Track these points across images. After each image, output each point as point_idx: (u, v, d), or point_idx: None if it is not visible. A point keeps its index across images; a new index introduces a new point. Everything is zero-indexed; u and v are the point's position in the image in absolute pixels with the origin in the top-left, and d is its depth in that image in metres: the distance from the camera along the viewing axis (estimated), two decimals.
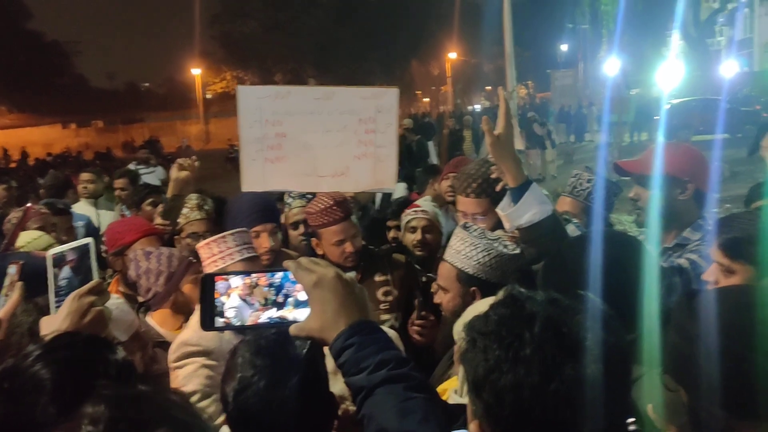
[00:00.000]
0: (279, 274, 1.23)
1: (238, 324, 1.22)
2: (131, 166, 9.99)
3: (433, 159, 13.26)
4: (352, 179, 3.23)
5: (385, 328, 2.38)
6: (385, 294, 3.03)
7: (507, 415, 0.96)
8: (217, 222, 3.17)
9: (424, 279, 3.26)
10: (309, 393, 1.46)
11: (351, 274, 1.48)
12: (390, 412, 1.11)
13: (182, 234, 3.21)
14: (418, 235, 3.42)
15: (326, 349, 1.64)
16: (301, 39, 44.43)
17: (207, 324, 1.23)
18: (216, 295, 1.22)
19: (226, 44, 48.69)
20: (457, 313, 2.30)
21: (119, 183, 6.18)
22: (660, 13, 29.16)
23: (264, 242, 2.90)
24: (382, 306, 3.01)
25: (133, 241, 3.17)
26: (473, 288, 2.29)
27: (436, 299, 2.43)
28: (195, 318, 2.54)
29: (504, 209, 2.28)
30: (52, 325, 1.37)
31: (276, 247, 2.98)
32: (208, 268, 2.51)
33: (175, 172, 3.59)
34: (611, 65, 20.38)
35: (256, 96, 3.16)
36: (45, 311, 1.69)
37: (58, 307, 1.49)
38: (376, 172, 3.25)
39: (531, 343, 0.97)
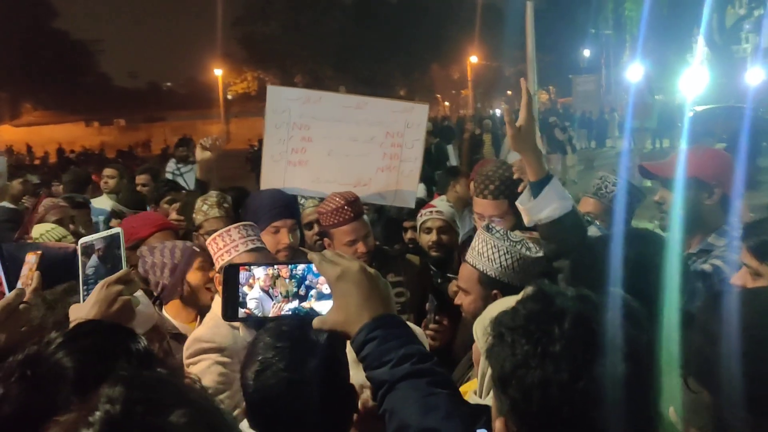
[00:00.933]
0: (301, 267, 1.22)
1: (260, 315, 1.21)
2: (171, 164, 10.06)
3: (453, 162, 13.21)
4: (374, 191, 3.21)
5: (412, 326, 2.37)
6: (398, 295, 3.00)
7: (534, 412, 0.94)
8: (235, 218, 3.17)
9: (439, 281, 3.22)
10: (327, 377, 1.45)
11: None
12: (413, 407, 1.08)
13: (200, 231, 3.21)
14: (433, 236, 3.39)
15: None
16: (321, 41, 44.66)
17: (229, 314, 1.23)
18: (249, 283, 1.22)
19: (247, 45, 49.09)
20: (478, 316, 2.27)
21: (141, 179, 6.22)
22: (685, 19, 28.85)
23: (283, 238, 2.89)
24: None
25: (148, 236, 3.18)
26: (495, 291, 2.25)
27: (457, 301, 2.40)
28: (209, 314, 2.55)
29: (524, 203, 2.27)
30: (80, 312, 1.38)
31: (294, 244, 2.96)
32: (217, 261, 2.53)
33: (199, 154, 3.58)
34: (634, 71, 20.14)
35: (286, 97, 3.16)
36: (53, 305, 1.69)
37: (86, 295, 1.49)
38: (398, 187, 3.24)
39: (560, 340, 0.94)
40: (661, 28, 27.52)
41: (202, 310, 2.75)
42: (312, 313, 1.21)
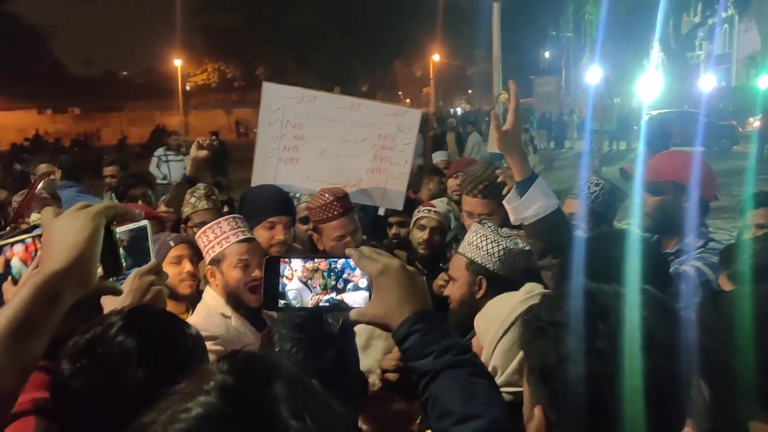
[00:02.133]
0: (340, 261, 1.27)
1: (298, 306, 1.26)
2: (159, 152, 9.88)
3: (415, 160, 13.28)
4: (362, 192, 3.25)
5: None
6: None
7: (577, 404, 0.99)
8: (221, 212, 3.18)
9: (424, 278, 3.29)
10: (343, 366, 1.50)
11: None
12: (455, 395, 1.14)
13: (189, 223, 3.21)
14: (425, 234, 3.44)
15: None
16: (283, 33, 44.27)
17: (269, 304, 1.27)
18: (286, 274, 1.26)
19: (208, 36, 48.32)
20: (464, 303, 2.36)
21: (109, 170, 6.12)
22: (642, 25, 29.60)
23: (278, 234, 2.91)
24: None
25: None
26: (480, 277, 2.34)
27: (446, 292, 2.48)
28: (201, 304, 2.56)
29: (510, 202, 2.35)
30: (114, 303, 1.40)
31: (289, 241, 2.99)
32: (208, 254, 2.55)
33: (194, 151, 3.56)
34: (594, 74, 20.61)
35: (281, 95, 3.17)
36: None
37: None
38: (386, 189, 3.29)
39: (605, 336, 1.00)
40: (620, 33, 28.20)
41: (193, 301, 2.76)
42: (345, 306, 1.26)
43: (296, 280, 1.26)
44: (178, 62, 40.50)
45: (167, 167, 9.77)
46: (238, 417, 0.68)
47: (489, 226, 2.40)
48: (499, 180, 2.84)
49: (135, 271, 1.51)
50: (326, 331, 1.51)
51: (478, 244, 2.40)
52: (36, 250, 1.30)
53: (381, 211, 3.58)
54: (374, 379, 1.73)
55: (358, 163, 3.22)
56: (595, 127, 18.12)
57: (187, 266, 2.74)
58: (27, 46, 51.93)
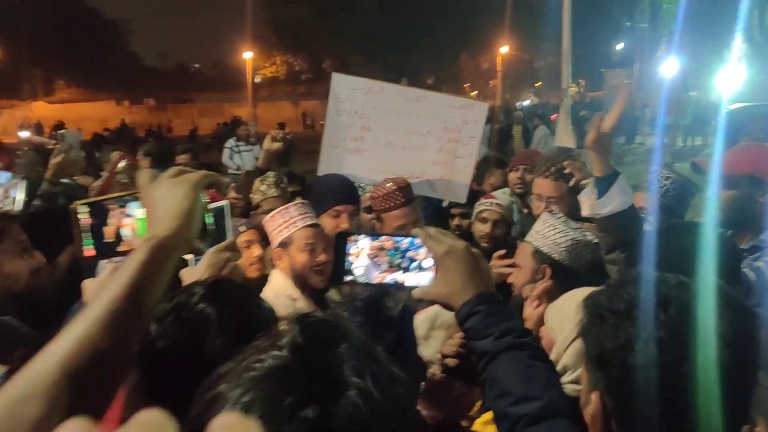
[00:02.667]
0: (406, 240, 1.31)
1: (364, 282, 1.30)
2: (231, 143, 10.25)
3: (482, 153, 13.17)
4: (426, 184, 3.28)
5: None
6: None
7: (634, 391, 0.99)
8: (291, 199, 3.27)
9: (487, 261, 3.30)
10: (401, 350, 1.54)
11: None
12: (513, 376, 1.16)
13: (258, 210, 3.33)
14: (488, 227, 3.43)
15: (415, 319, 1.72)
16: (350, 26, 44.55)
17: (337, 278, 1.31)
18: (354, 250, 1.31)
19: (277, 29, 49.16)
20: (526, 291, 2.36)
21: (181, 159, 6.34)
22: (724, 15, 28.26)
23: (343, 222, 2.97)
24: None
25: None
26: (545, 265, 2.33)
27: (510, 278, 2.48)
28: (268, 286, 2.64)
29: (588, 196, 2.33)
30: (193, 276, 1.50)
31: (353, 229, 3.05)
32: (276, 238, 2.64)
33: (267, 144, 3.66)
34: (669, 66, 19.86)
35: (350, 86, 3.24)
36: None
37: (196, 261, 1.64)
38: (450, 182, 3.30)
39: (665, 325, 1.00)
40: (699, 23, 27.02)
41: (258, 285, 2.86)
42: (409, 285, 1.30)
43: (363, 257, 1.30)
44: (247, 55, 41.45)
45: (240, 158, 10.11)
46: (305, 371, 0.74)
47: (558, 216, 2.40)
48: (566, 171, 2.81)
49: (213, 247, 1.61)
50: (385, 315, 1.54)
51: (546, 233, 2.40)
52: None
53: (444, 203, 3.59)
54: (435, 369, 1.75)
55: (422, 155, 3.25)
56: (668, 122, 17.47)
57: (256, 251, 2.85)
58: (107, 40, 54.24)
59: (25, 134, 22.18)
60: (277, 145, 3.63)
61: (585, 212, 2.42)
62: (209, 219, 1.21)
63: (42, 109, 44.54)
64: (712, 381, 0.97)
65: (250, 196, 3.49)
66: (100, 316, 0.91)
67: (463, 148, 3.12)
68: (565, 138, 9.27)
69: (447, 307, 1.27)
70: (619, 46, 39.25)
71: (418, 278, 1.30)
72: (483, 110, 3.28)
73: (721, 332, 1.00)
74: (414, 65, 43.91)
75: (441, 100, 3.28)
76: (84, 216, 1.24)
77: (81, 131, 7.45)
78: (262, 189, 3.36)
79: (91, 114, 43.06)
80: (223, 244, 1.62)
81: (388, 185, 3.02)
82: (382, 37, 43.72)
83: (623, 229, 2.34)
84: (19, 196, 2.18)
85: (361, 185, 3.64)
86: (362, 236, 1.32)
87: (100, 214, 1.25)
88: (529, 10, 34.45)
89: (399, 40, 43.30)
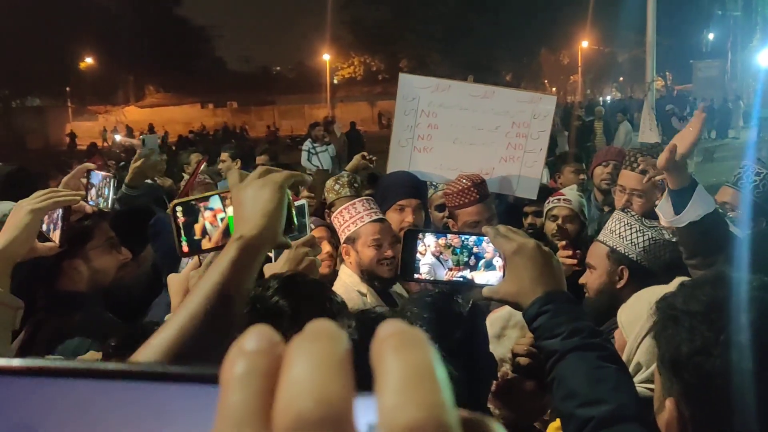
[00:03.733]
0: (472, 238, 1.30)
1: (432, 279, 1.30)
2: (307, 146, 10.56)
3: (563, 149, 12.88)
4: (496, 180, 3.25)
5: None
6: None
7: (712, 398, 0.95)
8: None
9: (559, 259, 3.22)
10: (471, 347, 1.52)
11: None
12: (581, 377, 1.12)
13: (333, 209, 3.40)
14: (558, 224, 3.37)
15: (489, 318, 1.70)
16: (429, 25, 44.48)
17: (406, 274, 1.32)
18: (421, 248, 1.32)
19: (356, 30, 49.70)
20: (602, 293, 2.28)
21: (260, 159, 6.58)
22: None
23: (407, 216, 2.99)
24: None
25: None
26: (622, 267, 2.24)
27: (582, 279, 2.41)
28: (338, 282, 2.67)
29: (664, 213, 2.13)
30: (274, 269, 1.57)
31: (418, 224, 3.06)
32: (343, 233, 2.69)
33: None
34: (765, 56, 18.73)
35: (415, 85, 3.27)
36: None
37: (276, 255, 1.74)
38: (520, 177, 3.26)
39: (747, 329, 0.94)
40: None
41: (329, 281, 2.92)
42: (477, 283, 1.29)
43: (429, 255, 1.30)
44: (326, 57, 42.16)
45: (317, 158, 10.32)
46: (355, 369, 0.74)
47: (632, 215, 2.31)
48: (639, 168, 2.69)
49: (293, 242, 1.66)
50: (455, 312, 1.53)
51: (622, 232, 2.31)
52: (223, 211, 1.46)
53: (511, 198, 3.54)
54: (507, 369, 1.73)
55: (491, 151, 3.22)
56: (764, 115, 16.47)
57: (327, 247, 2.90)
58: (194, 46, 56.44)
59: (117, 137, 23.44)
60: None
61: (663, 221, 2.26)
62: (295, 216, 1.24)
63: (133, 114, 46.96)
64: None
65: (325, 194, 3.56)
66: (196, 311, 0.97)
67: (533, 142, 3.06)
68: (649, 134, 8.89)
69: (516, 306, 1.25)
70: (710, 36, 37.29)
71: (487, 277, 1.28)
72: (551, 103, 3.21)
73: None
74: (493, 62, 43.33)
75: (508, 94, 3.24)
76: (180, 215, 1.30)
77: (159, 135, 7.83)
78: (336, 188, 3.43)
79: (177, 117, 45.00)
80: (302, 239, 1.67)
81: (462, 182, 3.00)
82: (460, 35, 43.41)
83: (705, 235, 2.11)
84: (110, 193, 2.31)
85: (434, 183, 3.64)
86: (429, 234, 1.32)
87: (191, 212, 1.31)
88: (613, 2, 33.27)
89: (477, 37, 42.87)
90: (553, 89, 52.88)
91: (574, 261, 2.70)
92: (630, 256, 2.25)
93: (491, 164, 3.23)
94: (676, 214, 2.04)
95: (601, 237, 2.38)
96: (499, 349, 1.61)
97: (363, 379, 0.74)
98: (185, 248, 1.28)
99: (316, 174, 3.85)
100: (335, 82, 52.73)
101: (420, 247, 1.30)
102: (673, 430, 1.02)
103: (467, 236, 1.30)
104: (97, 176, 2.41)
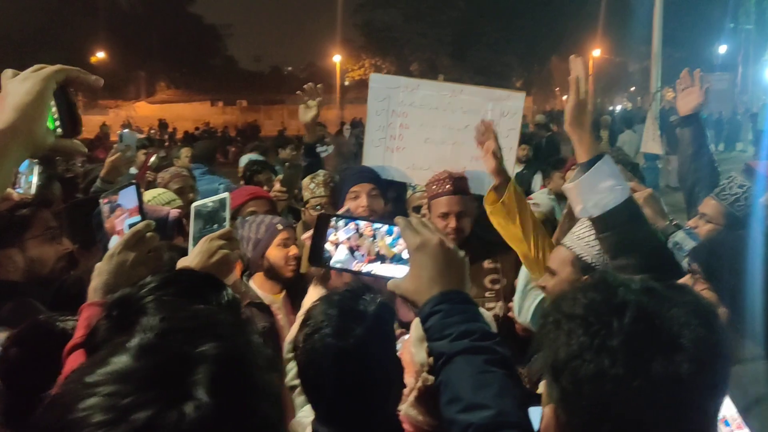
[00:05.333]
0: (384, 228, 1.26)
1: (341, 267, 1.27)
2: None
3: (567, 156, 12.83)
4: (468, 180, 3.21)
5: (481, 310, 2.36)
6: (493, 282, 2.98)
7: (585, 405, 0.90)
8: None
9: (465, 257, 3.20)
10: (372, 348, 1.47)
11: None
12: (466, 381, 1.08)
13: (308, 206, 3.38)
14: None
15: (414, 321, 1.64)
16: (440, 29, 44.50)
17: (315, 260, 1.30)
18: (333, 236, 1.29)
19: (367, 32, 49.76)
20: None
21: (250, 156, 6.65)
22: None
23: (361, 201, 2.99)
24: (487, 294, 2.97)
25: (240, 204, 3.38)
26: (586, 277, 2.14)
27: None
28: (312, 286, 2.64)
29: (573, 183, 1.99)
30: (184, 263, 1.51)
31: (374, 208, 3.04)
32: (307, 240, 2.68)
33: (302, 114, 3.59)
34: None
35: (386, 85, 3.26)
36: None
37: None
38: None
39: (619, 334, 0.89)
40: None
41: (289, 283, 2.88)
42: (385, 275, 1.24)
43: (343, 243, 1.27)
44: (337, 58, 42.20)
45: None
46: (147, 375, 0.70)
47: None
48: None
49: (207, 235, 1.62)
50: (357, 310, 1.49)
51: (591, 241, 2.19)
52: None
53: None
54: (427, 374, 1.67)
55: (462, 150, 3.19)
56: None
57: (294, 250, 2.87)
58: (205, 43, 56.67)
59: (125, 132, 23.64)
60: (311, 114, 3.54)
61: (576, 211, 2.04)
62: (52, 123, 1.15)
63: (143, 109, 47.24)
64: (669, 398, 0.86)
65: (303, 192, 3.53)
66: None
67: (503, 141, 3.00)
68: (651, 144, 8.81)
69: (413, 303, 1.20)
70: (722, 49, 37.04)
71: (395, 270, 1.23)
72: (520, 101, 3.17)
73: (682, 344, 0.88)
74: (503, 68, 43.25)
75: (476, 93, 3.21)
76: None
77: (136, 134, 7.93)
78: (311, 187, 3.40)
79: (187, 114, 45.20)
80: (217, 232, 1.63)
81: (443, 174, 3.02)
82: (471, 40, 43.40)
83: (625, 227, 1.93)
84: (34, 179, 2.27)
85: (412, 185, 3.60)
86: (343, 220, 1.28)
87: None
88: (623, 13, 33.15)
89: (488, 43, 42.83)
90: (564, 98, 52.73)
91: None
92: (596, 267, 2.16)
93: (462, 163, 3.20)
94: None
95: (566, 241, 2.29)
96: (422, 353, 1.55)
97: (152, 386, 0.68)
98: None
99: (289, 168, 3.77)
100: (346, 83, 52.79)
101: (332, 236, 1.27)
102: None
103: (379, 225, 1.26)
104: (23, 163, 2.39)
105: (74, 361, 1.31)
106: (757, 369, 1.54)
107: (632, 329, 0.89)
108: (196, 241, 1.66)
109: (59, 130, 1.15)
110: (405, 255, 1.24)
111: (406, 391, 1.60)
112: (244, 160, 6.67)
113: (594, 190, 1.94)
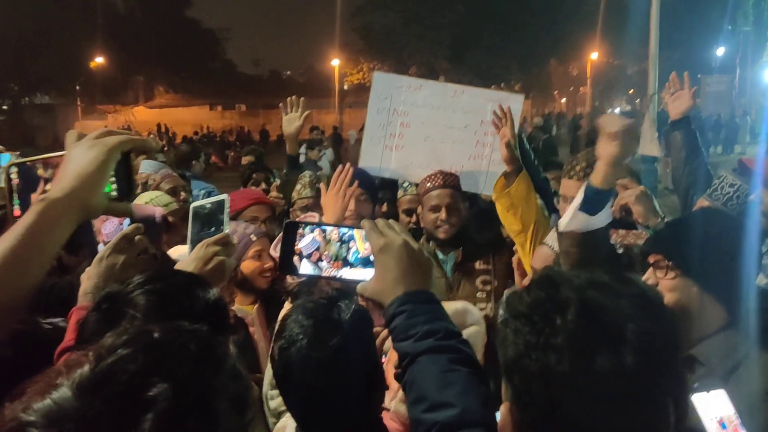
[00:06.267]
0: (349, 232, 1.26)
1: (312, 273, 1.27)
2: (303, 147, 10.70)
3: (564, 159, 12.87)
4: (464, 178, 3.24)
5: (471, 308, 2.35)
6: (484, 283, 2.99)
7: (535, 403, 0.90)
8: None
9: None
10: (350, 357, 1.46)
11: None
12: (430, 380, 1.08)
13: (294, 207, 3.37)
14: None
15: None
16: (439, 32, 44.57)
17: (285, 269, 1.30)
18: (296, 246, 1.27)
19: (365, 36, 49.82)
20: None
21: (246, 159, 6.76)
22: None
23: (349, 206, 2.98)
24: (478, 294, 2.97)
25: (242, 208, 3.36)
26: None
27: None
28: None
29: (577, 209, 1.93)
30: (180, 267, 1.51)
31: (362, 212, 3.05)
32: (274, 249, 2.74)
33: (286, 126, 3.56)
34: None
35: (389, 84, 3.28)
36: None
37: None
38: (487, 175, 3.25)
39: (563, 331, 0.89)
40: None
41: (263, 294, 2.85)
42: (354, 279, 1.24)
43: (311, 249, 1.27)
44: (335, 62, 42.25)
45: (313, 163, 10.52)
46: (85, 417, 0.67)
47: None
48: (576, 177, 2.62)
49: (204, 240, 1.60)
50: (333, 320, 1.48)
51: None
52: None
53: (482, 203, 3.52)
54: None
55: (460, 149, 3.25)
56: None
57: (268, 261, 2.83)
58: (204, 48, 56.69)
59: None
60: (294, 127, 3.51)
61: (570, 226, 1.98)
62: (109, 187, 1.16)
63: (142, 114, 47.25)
64: (615, 392, 0.86)
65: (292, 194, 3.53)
66: None
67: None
68: (649, 146, 8.82)
69: (379, 306, 1.20)
70: (720, 51, 37.09)
71: (363, 274, 1.24)
72: (519, 102, 3.20)
73: (626, 336, 0.87)
74: (502, 71, 43.29)
75: (477, 93, 3.26)
76: (14, 176, 1.25)
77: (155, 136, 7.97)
78: (298, 188, 3.41)
79: (186, 118, 45.25)
80: (213, 238, 1.61)
81: (436, 171, 3.10)
82: (470, 43, 43.46)
83: (592, 248, 1.94)
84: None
85: (403, 186, 3.60)
86: (309, 228, 1.28)
87: (28, 176, 1.25)
88: (621, 15, 33.21)
89: (487, 46, 42.89)
90: (563, 100, 52.85)
91: None
92: None
93: (460, 162, 3.25)
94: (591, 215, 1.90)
95: (549, 241, 2.29)
96: None
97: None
98: (16, 212, 1.23)
99: (286, 174, 3.75)
100: (345, 87, 52.86)
101: (300, 243, 1.26)
102: None
103: (345, 230, 1.26)
104: (4, 158, 2.38)
105: None
106: (732, 336, 1.61)
107: (576, 325, 0.89)
108: (193, 243, 1.65)
109: (114, 193, 1.17)
110: (371, 258, 1.25)
111: (394, 387, 1.59)
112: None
113: (596, 223, 1.95)
